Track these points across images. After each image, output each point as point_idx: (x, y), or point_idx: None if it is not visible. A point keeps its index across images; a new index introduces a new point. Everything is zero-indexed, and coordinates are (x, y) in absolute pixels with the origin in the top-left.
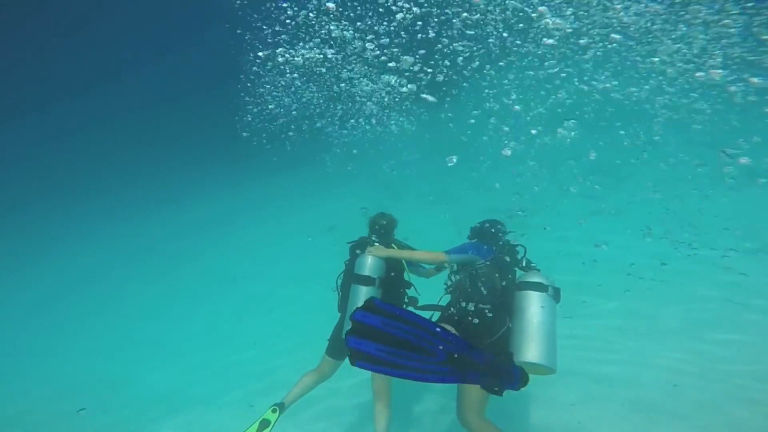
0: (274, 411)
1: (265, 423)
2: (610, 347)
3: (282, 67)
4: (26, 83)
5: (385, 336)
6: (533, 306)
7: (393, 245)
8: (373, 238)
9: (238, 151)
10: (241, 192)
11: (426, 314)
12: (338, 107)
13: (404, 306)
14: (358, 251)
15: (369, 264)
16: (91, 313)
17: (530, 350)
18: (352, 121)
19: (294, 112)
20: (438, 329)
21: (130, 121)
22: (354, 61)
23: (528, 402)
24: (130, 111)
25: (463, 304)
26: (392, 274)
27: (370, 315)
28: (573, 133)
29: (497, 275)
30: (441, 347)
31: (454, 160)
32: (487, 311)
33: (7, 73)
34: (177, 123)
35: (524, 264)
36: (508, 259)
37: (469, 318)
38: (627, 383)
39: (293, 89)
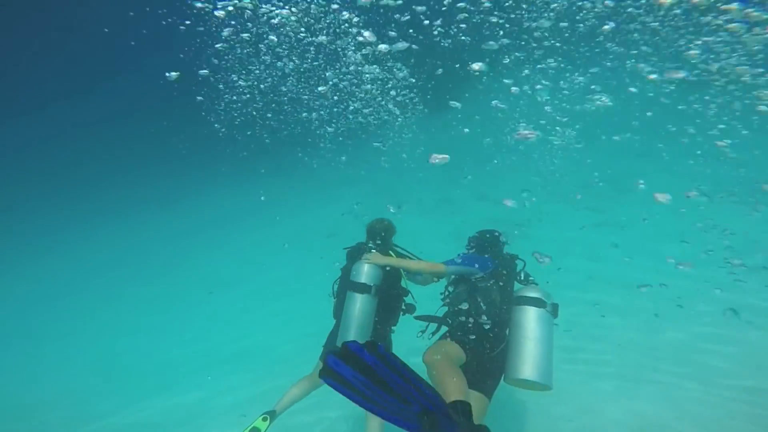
0: (264, 419)
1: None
2: (610, 361)
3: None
4: (25, 83)
5: (368, 370)
6: (530, 322)
7: (391, 252)
8: (370, 245)
9: (238, 153)
10: (242, 193)
11: (421, 324)
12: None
13: (401, 313)
14: (345, 249)
15: (365, 271)
16: (90, 311)
17: (526, 367)
18: (342, 105)
19: (263, 86)
20: (429, 391)
21: (131, 121)
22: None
23: (526, 417)
24: (131, 111)
25: (462, 318)
26: (389, 281)
27: (367, 354)
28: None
29: (495, 288)
30: (420, 403)
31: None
32: (485, 325)
33: (6, 74)
34: (180, 122)
35: (522, 277)
36: (506, 272)
37: (468, 332)
38: (625, 398)
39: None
